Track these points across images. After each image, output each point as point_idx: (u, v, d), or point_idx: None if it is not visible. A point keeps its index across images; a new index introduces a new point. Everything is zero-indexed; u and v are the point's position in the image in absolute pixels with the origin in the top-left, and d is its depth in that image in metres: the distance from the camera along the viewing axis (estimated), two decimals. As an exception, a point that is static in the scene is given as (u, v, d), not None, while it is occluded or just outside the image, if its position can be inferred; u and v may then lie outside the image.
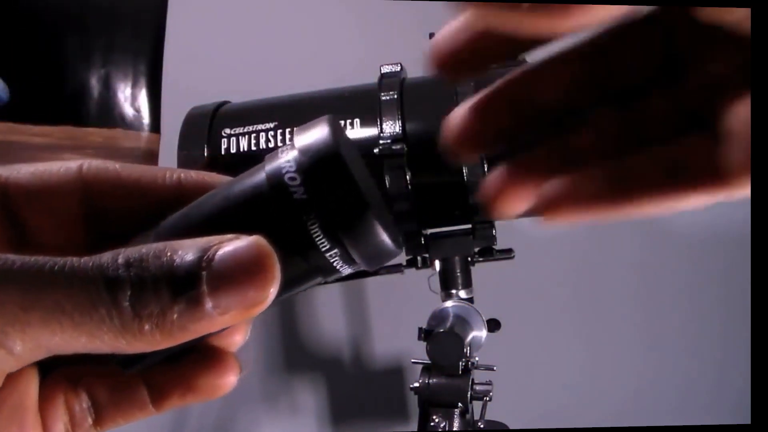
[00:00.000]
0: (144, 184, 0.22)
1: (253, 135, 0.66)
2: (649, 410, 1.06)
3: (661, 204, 0.18)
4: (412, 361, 0.67)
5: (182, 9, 1.06)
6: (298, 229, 0.19)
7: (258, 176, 0.20)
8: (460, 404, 0.63)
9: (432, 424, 0.63)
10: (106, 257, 0.17)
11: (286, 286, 0.19)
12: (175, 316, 0.16)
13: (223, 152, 0.66)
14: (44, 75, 1.02)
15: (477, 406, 0.66)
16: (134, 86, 1.05)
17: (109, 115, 1.03)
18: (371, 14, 1.07)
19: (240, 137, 0.66)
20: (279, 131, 0.65)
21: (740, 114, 0.17)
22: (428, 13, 1.02)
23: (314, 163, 0.19)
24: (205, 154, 0.67)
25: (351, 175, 0.18)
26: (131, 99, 1.05)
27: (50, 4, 1.03)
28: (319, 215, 0.19)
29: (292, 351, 1.09)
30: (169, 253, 0.17)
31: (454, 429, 0.63)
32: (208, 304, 0.17)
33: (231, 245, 0.17)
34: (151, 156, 1.04)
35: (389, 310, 1.05)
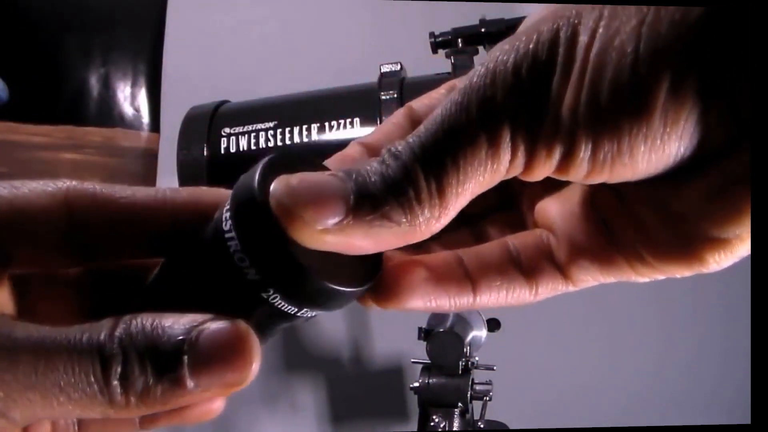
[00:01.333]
0: (136, 206, 0.22)
1: (252, 134, 0.66)
2: (649, 410, 1.06)
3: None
4: (412, 360, 0.67)
5: (182, 8, 1.06)
6: (254, 300, 0.20)
7: (215, 252, 0.20)
8: (460, 404, 0.63)
9: (432, 423, 0.63)
10: (101, 333, 0.18)
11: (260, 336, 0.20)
12: (159, 392, 0.18)
13: (222, 151, 0.66)
14: (44, 75, 1.02)
15: (477, 405, 0.66)
16: (134, 86, 1.05)
17: (108, 114, 1.03)
18: (371, 14, 1.07)
19: (240, 136, 0.66)
20: (279, 130, 0.65)
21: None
22: (428, 13, 1.02)
23: (253, 245, 0.19)
24: (205, 154, 0.67)
25: (288, 251, 0.18)
26: (131, 98, 1.05)
27: (50, 4, 1.03)
28: (273, 289, 0.19)
29: (292, 351, 1.08)
30: (155, 332, 0.18)
31: (454, 429, 0.63)
32: (190, 384, 0.18)
33: (212, 327, 0.18)
34: (150, 155, 1.04)
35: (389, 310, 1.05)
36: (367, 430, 1.09)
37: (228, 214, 0.19)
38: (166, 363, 0.18)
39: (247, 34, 1.07)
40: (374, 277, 0.21)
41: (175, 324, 0.18)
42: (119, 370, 0.18)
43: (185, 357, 0.18)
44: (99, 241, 0.22)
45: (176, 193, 0.22)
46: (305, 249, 0.19)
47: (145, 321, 0.18)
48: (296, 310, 0.20)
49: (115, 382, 0.18)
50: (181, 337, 0.18)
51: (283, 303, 0.19)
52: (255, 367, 0.18)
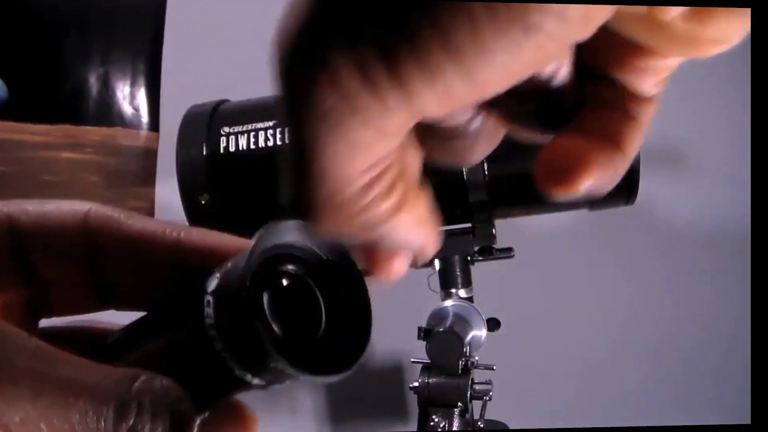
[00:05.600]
0: (144, 238, 0.23)
1: (252, 133, 0.66)
2: (649, 410, 1.06)
3: None
4: (412, 360, 0.67)
5: (181, 7, 1.06)
6: (234, 381, 0.20)
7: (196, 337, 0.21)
8: (459, 404, 0.63)
9: (432, 423, 0.63)
10: (122, 383, 0.19)
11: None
12: None
13: (222, 150, 0.66)
14: (43, 74, 1.02)
15: (477, 405, 0.66)
16: (133, 85, 1.05)
17: (107, 113, 1.03)
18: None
19: (239, 135, 0.66)
20: (278, 129, 0.65)
21: None
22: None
23: (231, 328, 0.20)
24: (204, 153, 0.66)
25: (258, 335, 0.19)
26: (130, 97, 1.05)
27: (49, 3, 1.03)
28: (240, 366, 0.20)
29: (292, 350, 1.08)
30: (175, 397, 0.19)
31: (454, 428, 0.63)
32: None
33: (226, 410, 0.20)
34: (150, 154, 1.04)
35: (389, 309, 1.05)
36: (366, 430, 1.09)
37: (211, 311, 0.20)
38: (177, 428, 0.19)
39: (247, 33, 1.07)
40: (352, 363, 0.21)
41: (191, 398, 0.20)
42: (130, 423, 0.19)
43: (195, 429, 0.19)
44: (111, 262, 0.23)
45: (186, 232, 0.23)
46: (278, 341, 0.20)
47: (166, 384, 0.19)
48: (267, 385, 0.21)
49: None
50: (194, 412, 0.20)
51: (250, 377, 0.20)
52: None
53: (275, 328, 0.20)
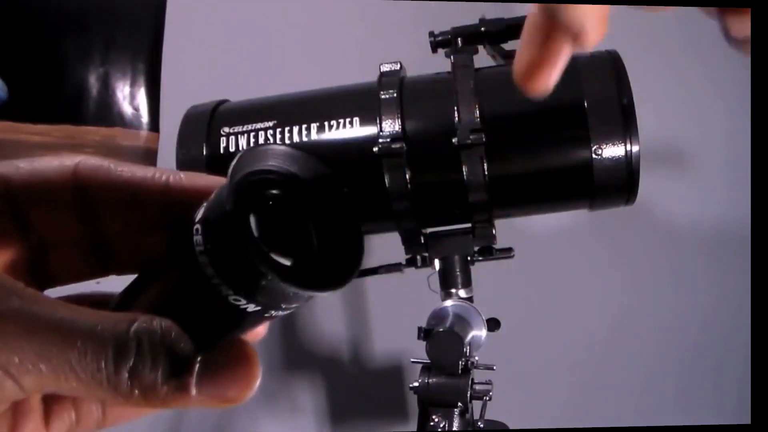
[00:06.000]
0: (134, 183, 0.23)
1: (252, 134, 0.66)
2: (649, 410, 1.06)
3: None
4: (412, 360, 0.67)
5: (181, 7, 1.06)
6: (227, 306, 0.20)
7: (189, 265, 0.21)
8: (459, 404, 0.63)
9: (432, 423, 0.63)
10: (119, 324, 0.19)
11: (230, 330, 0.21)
12: (163, 392, 0.19)
13: (222, 151, 0.66)
14: (43, 74, 1.02)
15: (477, 405, 0.66)
16: (133, 85, 1.05)
17: (107, 113, 1.03)
18: (371, 14, 1.07)
19: (239, 136, 0.66)
20: (278, 130, 0.65)
21: None
22: (428, 13, 1.01)
23: (216, 247, 0.19)
24: (204, 153, 0.66)
25: (246, 250, 0.19)
26: (130, 98, 1.05)
27: (49, 3, 1.03)
28: (232, 289, 0.20)
29: (292, 350, 1.08)
30: (173, 337, 0.19)
31: (454, 429, 0.63)
32: (193, 391, 0.19)
33: (226, 345, 0.20)
34: (150, 155, 1.04)
35: (389, 309, 1.05)
36: (366, 430, 1.09)
37: (200, 238, 0.20)
38: (177, 367, 0.19)
39: (247, 33, 1.07)
40: (347, 278, 0.21)
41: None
42: (131, 363, 0.19)
43: (197, 366, 0.19)
44: (104, 212, 0.23)
45: (174, 175, 0.23)
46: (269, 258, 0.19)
47: (165, 324, 0.19)
48: (264, 310, 0.20)
49: (125, 375, 0.19)
50: (196, 350, 0.19)
51: (251, 306, 0.20)
52: (254, 388, 0.20)
53: (263, 247, 0.20)
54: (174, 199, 0.23)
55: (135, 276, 0.24)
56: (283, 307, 0.20)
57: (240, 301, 0.20)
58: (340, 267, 0.21)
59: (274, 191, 0.21)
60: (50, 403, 0.22)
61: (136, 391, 0.19)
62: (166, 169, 0.23)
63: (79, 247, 0.24)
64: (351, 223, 0.22)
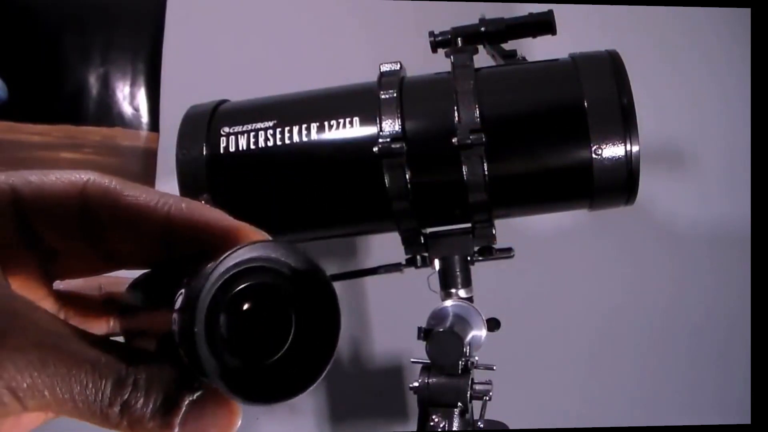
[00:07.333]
0: (138, 209, 0.24)
1: (252, 133, 0.66)
2: (650, 410, 1.06)
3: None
4: (412, 360, 0.67)
5: (181, 7, 1.06)
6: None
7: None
8: (459, 404, 0.63)
9: (431, 423, 0.63)
10: (120, 358, 0.21)
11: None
12: (148, 427, 0.21)
13: (222, 151, 0.66)
14: (43, 74, 1.02)
15: (477, 405, 0.66)
16: (133, 85, 1.05)
17: (107, 113, 1.03)
18: (371, 14, 1.07)
19: (239, 136, 0.66)
20: (278, 129, 0.65)
21: None
22: (428, 13, 1.01)
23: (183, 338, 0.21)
24: (204, 153, 0.66)
25: (201, 364, 0.20)
26: (130, 98, 1.05)
27: (49, 3, 1.03)
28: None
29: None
30: (165, 381, 0.21)
31: (454, 429, 0.63)
32: (176, 429, 0.21)
33: (214, 398, 0.22)
34: (150, 155, 1.04)
35: (388, 309, 1.05)
36: (366, 430, 1.09)
37: (176, 327, 0.21)
38: (166, 406, 0.21)
39: (247, 33, 1.07)
40: (308, 384, 0.22)
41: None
42: (125, 397, 0.21)
43: (183, 410, 0.21)
44: (109, 231, 0.25)
45: (176, 205, 0.24)
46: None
47: (161, 365, 0.21)
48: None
49: (116, 409, 0.21)
50: (187, 397, 0.22)
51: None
52: None
53: (227, 351, 0.21)
54: (175, 227, 0.24)
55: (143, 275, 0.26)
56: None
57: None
58: (306, 370, 0.22)
59: (258, 280, 0.22)
60: None
61: (125, 422, 0.21)
62: (170, 197, 0.24)
63: (86, 255, 0.26)
64: (330, 322, 0.23)
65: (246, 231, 0.24)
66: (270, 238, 0.23)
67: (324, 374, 0.23)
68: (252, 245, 0.21)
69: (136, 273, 0.27)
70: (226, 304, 0.21)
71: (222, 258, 0.20)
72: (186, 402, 0.21)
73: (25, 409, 0.20)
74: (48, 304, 0.27)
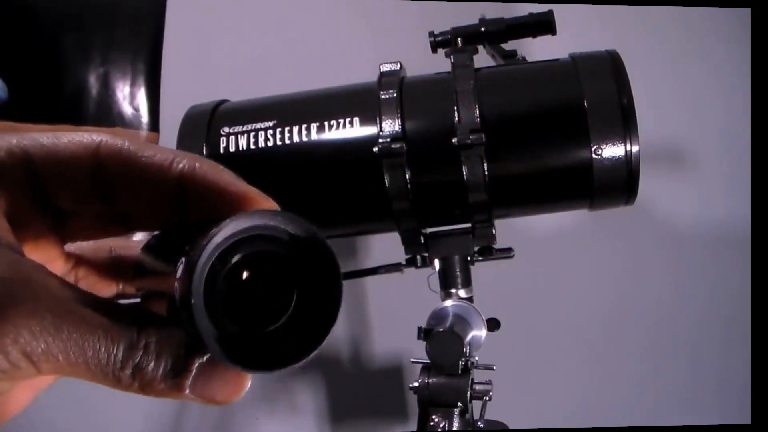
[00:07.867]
0: (153, 167, 0.24)
1: (252, 133, 0.66)
2: (650, 410, 1.06)
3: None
4: (412, 360, 0.67)
5: (181, 7, 1.06)
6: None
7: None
8: (459, 404, 0.63)
9: (431, 423, 0.63)
10: (132, 323, 0.22)
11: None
12: (159, 388, 0.22)
13: (222, 151, 0.66)
14: (43, 74, 1.02)
15: (477, 405, 0.66)
16: (133, 85, 1.05)
17: (107, 113, 1.03)
18: (371, 14, 1.07)
19: (239, 136, 0.66)
20: (278, 129, 0.65)
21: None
22: (428, 13, 1.01)
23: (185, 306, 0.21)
24: (204, 153, 0.66)
25: (198, 333, 0.20)
26: (130, 98, 1.05)
27: (49, 3, 1.03)
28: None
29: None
30: (176, 345, 0.22)
31: (454, 429, 0.63)
32: (186, 391, 0.22)
33: (223, 365, 0.22)
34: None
35: (388, 309, 1.05)
36: (366, 430, 1.09)
37: (177, 297, 0.21)
38: (176, 369, 0.22)
39: (247, 33, 1.07)
40: (302, 356, 0.22)
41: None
42: (137, 360, 0.21)
43: (193, 373, 0.22)
44: (122, 192, 0.24)
45: (190, 164, 0.24)
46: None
47: (172, 329, 0.22)
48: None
49: (128, 372, 0.21)
50: (196, 360, 0.22)
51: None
52: (241, 395, 0.23)
53: (226, 320, 0.21)
54: (187, 188, 0.24)
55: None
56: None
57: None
58: (304, 339, 0.22)
59: (259, 248, 0.22)
60: None
61: (136, 384, 0.21)
62: (184, 156, 0.24)
63: (98, 217, 0.26)
64: (332, 289, 0.22)
65: (252, 196, 0.24)
66: (276, 206, 0.24)
67: (324, 342, 0.22)
68: (251, 214, 0.21)
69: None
70: (225, 273, 0.21)
71: (220, 227, 0.20)
72: (196, 365, 0.22)
73: (39, 372, 0.21)
74: (59, 266, 0.27)
